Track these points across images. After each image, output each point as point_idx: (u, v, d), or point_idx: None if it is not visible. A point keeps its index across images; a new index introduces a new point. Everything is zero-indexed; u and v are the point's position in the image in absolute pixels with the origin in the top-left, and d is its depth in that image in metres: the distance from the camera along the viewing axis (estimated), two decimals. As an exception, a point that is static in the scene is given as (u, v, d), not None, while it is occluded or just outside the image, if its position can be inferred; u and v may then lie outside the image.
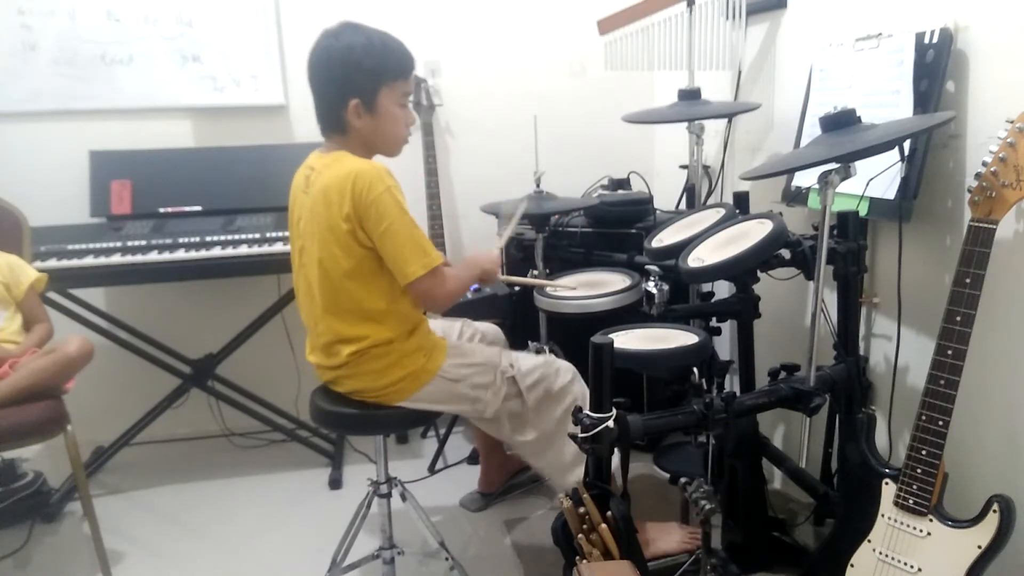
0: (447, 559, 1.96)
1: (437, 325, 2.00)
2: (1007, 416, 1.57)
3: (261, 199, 2.72)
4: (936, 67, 1.65)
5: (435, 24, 3.01)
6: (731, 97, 2.54)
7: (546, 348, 2.40)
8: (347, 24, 1.68)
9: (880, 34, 1.83)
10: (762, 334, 2.08)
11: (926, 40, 1.68)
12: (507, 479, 2.47)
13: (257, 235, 2.59)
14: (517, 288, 2.49)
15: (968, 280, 1.36)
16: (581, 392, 1.89)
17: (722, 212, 2.02)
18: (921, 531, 1.43)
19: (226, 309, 2.94)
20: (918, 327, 1.81)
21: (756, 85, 2.46)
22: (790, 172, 2.08)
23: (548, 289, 2.13)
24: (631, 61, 2.58)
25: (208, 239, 2.55)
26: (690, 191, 2.54)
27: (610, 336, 1.75)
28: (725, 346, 2.54)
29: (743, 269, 1.79)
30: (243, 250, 2.50)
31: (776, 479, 2.36)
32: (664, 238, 2.04)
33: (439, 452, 2.73)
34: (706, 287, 2.28)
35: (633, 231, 2.48)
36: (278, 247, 2.51)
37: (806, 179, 2.00)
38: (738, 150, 2.59)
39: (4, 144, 2.74)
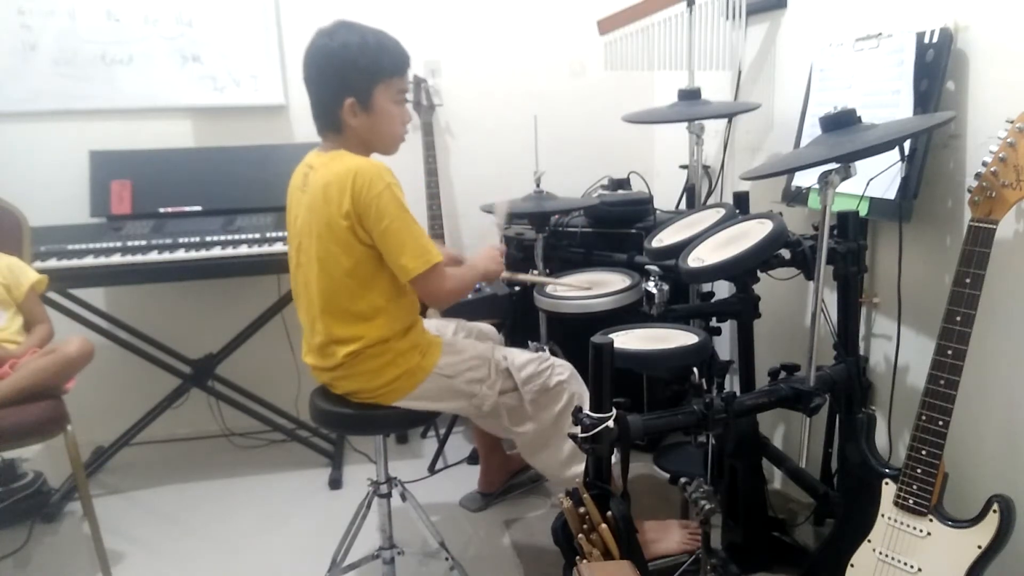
0: (447, 559, 1.96)
1: (431, 324, 2.00)
2: (1007, 416, 1.57)
3: (261, 199, 2.72)
4: (936, 67, 1.65)
5: (435, 24, 3.01)
6: (731, 97, 2.54)
7: (546, 348, 2.39)
8: (342, 23, 1.68)
9: (880, 34, 1.83)
10: (762, 334, 2.08)
11: (926, 40, 1.68)
12: (507, 479, 2.47)
13: (257, 235, 2.60)
14: (517, 288, 2.49)
15: (968, 280, 1.36)
16: (578, 390, 1.89)
17: (722, 212, 2.02)
18: (921, 531, 1.43)
19: (226, 309, 2.94)
20: (918, 327, 1.81)
21: (756, 85, 2.46)
22: (790, 172, 2.08)
23: (560, 290, 2.13)
24: (631, 61, 2.58)
25: (208, 239, 2.55)
26: (690, 191, 2.55)
27: (610, 336, 1.75)
28: (725, 346, 2.54)
29: (743, 269, 1.79)
30: (243, 250, 2.50)
31: (776, 479, 2.36)
32: (664, 238, 2.04)
33: (439, 452, 2.73)
34: (706, 287, 2.28)
35: (633, 231, 2.48)
36: (278, 247, 2.51)
37: (806, 179, 2.00)
38: (738, 150, 2.59)
39: (4, 144, 2.74)
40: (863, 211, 1.82)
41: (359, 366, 1.72)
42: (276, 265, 2.48)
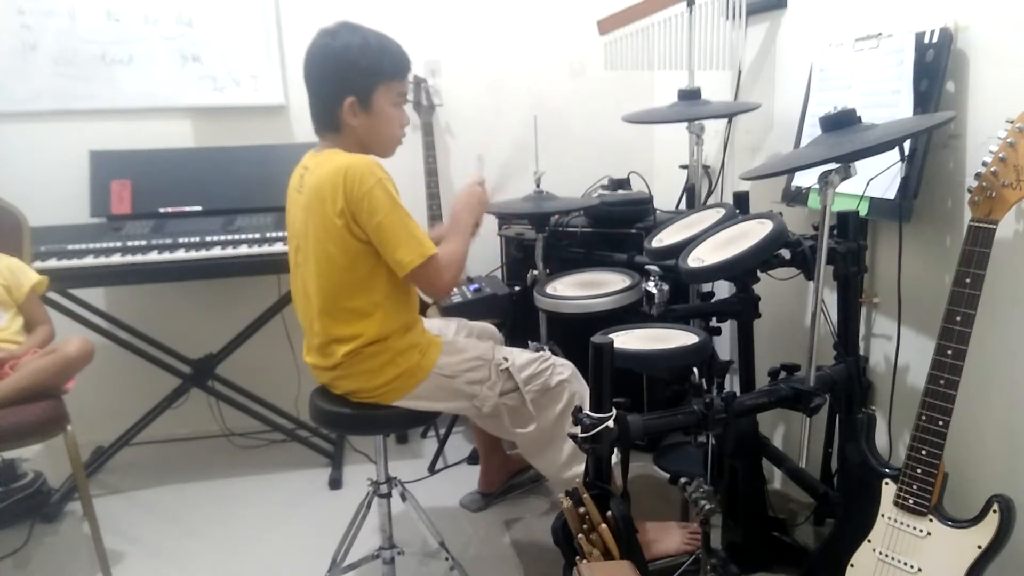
0: (447, 559, 1.96)
1: (432, 324, 2.00)
2: (1007, 416, 1.57)
3: (261, 199, 2.72)
4: (936, 67, 1.65)
5: (435, 24, 3.01)
6: (731, 97, 2.54)
7: (546, 348, 2.39)
8: (344, 24, 1.69)
9: (880, 34, 1.83)
10: (762, 334, 2.08)
11: (926, 40, 1.68)
12: (507, 479, 2.47)
13: (257, 235, 2.60)
14: (517, 288, 2.49)
15: (968, 280, 1.36)
16: (579, 389, 1.89)
17: (722, 212, 2.02)
18: (921, 531, 1.43)
19: (226, 309, 2.94)
20: (918, 327, 1.81)
21: (756, 85, 2.46)
22: (790, 172, 2.08)
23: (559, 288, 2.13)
24: (631, 61, 2.58)
25: (208, 239, 2.55)
26: (690, 191, 2.55)
27: (610, 336, 1.75)
28: (725, 346, 2.54)
29: (743, 269, 1.79)
30: (243, 250, 2.50)
31: (776, 479, 2.36)
32: (664, 238, 2.04)
33: (439, 452, 2.73)
34: (706, 287, 2.28)
35: (633, 231, 2.48)
36: (278, 247, 2.51)
37: (806, 179, 2.00)
38: (738, 150, 2.59)
39: (4, 144, 2.74)
40: (863, 211, 1.82)
41: (358, 365, 1.73)
42: (276, 265, 2.48)
